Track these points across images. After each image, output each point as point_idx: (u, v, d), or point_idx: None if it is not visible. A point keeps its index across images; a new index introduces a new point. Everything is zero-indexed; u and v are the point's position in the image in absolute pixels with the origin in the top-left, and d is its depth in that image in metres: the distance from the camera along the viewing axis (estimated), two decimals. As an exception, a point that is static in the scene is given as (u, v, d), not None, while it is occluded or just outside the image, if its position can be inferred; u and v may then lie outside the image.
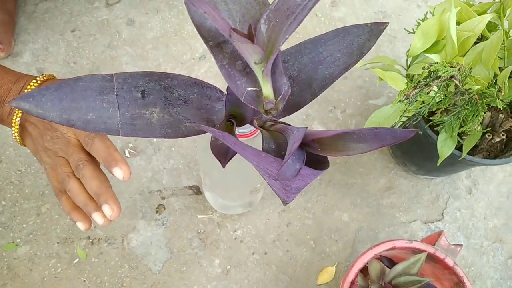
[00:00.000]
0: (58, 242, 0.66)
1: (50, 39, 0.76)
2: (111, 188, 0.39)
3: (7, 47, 0.73)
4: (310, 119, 0.75)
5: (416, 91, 0.44)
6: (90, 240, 0.66)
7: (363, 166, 0.74)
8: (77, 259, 0.65)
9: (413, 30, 0.59)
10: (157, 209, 0.68)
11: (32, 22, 0.77)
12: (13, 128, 0.40)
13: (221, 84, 0.74)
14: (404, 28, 0.64)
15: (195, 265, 0.66)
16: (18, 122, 0.40)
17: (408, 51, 0.56)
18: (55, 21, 0.78)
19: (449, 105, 0.50)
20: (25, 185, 0.68)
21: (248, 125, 0.35)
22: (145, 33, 0.78)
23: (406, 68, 0.58)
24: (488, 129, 0.56)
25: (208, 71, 0.77)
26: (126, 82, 0.28)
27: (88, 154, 0.39)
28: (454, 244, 0.57)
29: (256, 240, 0.68)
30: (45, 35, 0.77)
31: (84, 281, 0.64)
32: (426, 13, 0.59)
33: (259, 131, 0.39)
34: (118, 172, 0.36)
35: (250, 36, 0.24)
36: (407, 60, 0.57)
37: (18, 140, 0.41)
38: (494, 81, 0.50)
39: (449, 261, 0.55)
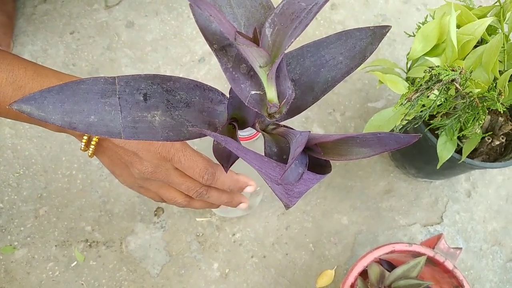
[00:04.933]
0: (56, 245, 0.65)
1: (49, 41, 0.76)
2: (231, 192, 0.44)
3: (6, 49, 0.73)
4: (309, 121, 0.75)
5: (417, 94, 0.44)
6: (88, 243, 0.66)
7: (362, 169, 0.74)
8: (75, 262, 0.65)
9: (413, 34, 0.60)
10: (155, 212, 0.68)
11: (31, 24, 0.77)
12: (82, 142, 0.39)
13: (220, 86, 0.74)
14: (405, 31, 0.64)
15: (194, 268, 0.66)
16: (87, 137, 0.39)
17: (408, 54, 0.56)
18: (54, 23, 0.77)
19: (449, 109, 0.50)
20: (23, 188, 0.67)
21: (249, 128, 0.35)
22: (145, 35, 0.78)
23: (406, 71, 0.58)
24: (489, 133, 0.56)
25: (208, 73, 0.77)
26: (128, 85, 0.28)
27: None
28: (454, 248, 0.57)
29: (255, 243, 0.68)
30: (44, 37, 0.76)
31: (82, 284, 0.64)
32: (426, 16, 0.59)
33: (260, 133, 0.39)
34: (250, 188, 0.42)
35: (255, 40, 0.24)
36: (407, 63, 0.57)
37: (89, 154, 0.40)
38: (494, 84, 0.50)
39: (449, 265, 0.55)
